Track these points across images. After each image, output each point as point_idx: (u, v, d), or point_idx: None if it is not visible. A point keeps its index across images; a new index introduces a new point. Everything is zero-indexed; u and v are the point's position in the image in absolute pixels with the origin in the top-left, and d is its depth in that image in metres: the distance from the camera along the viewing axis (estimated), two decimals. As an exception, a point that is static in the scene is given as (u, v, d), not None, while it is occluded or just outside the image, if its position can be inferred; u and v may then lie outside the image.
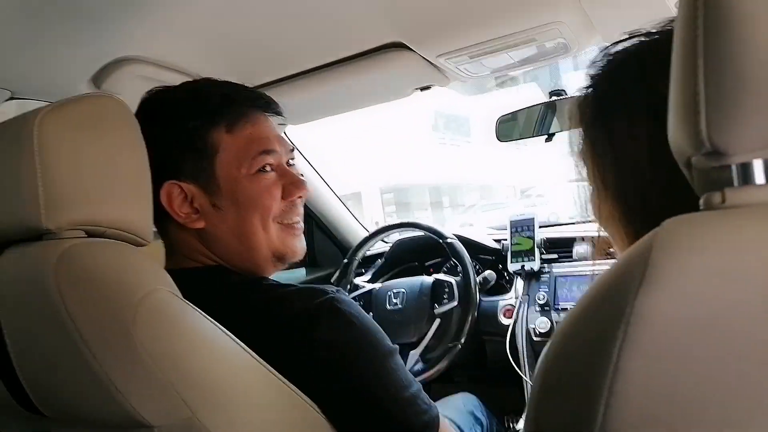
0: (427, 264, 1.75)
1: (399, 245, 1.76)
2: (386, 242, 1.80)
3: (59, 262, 0.54)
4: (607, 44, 0.55)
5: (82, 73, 1.04)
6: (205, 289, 0.60)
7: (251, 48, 1.08)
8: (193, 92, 0.75)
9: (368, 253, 1.71)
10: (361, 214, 1.96)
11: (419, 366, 1.38)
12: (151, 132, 0.66)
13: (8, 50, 0.91)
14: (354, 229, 1.92)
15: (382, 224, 1.71)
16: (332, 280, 1.64)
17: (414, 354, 1.39)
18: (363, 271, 1.73)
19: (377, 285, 1.58)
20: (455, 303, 1.39)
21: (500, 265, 1.56)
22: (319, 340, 0.64)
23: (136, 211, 0.62)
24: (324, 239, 1.91)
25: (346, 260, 1.63)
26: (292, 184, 0.76)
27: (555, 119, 1.25)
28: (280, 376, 0.61)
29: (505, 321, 1.44)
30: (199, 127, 0.71)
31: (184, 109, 0.72)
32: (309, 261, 1.90)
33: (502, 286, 1.55)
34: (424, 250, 1.72)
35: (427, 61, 1.14)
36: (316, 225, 1.87)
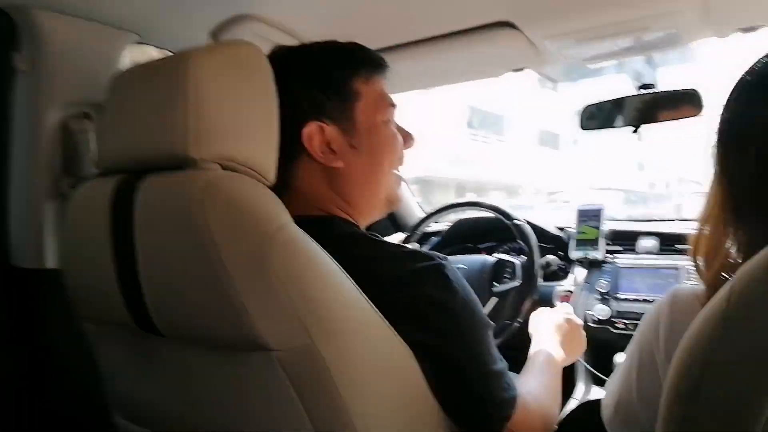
0: (480, 246, 1.77)
1: (459, 225, 1.79)
2: (437, 222, 1.83)
3: (206, 190, 0.57)
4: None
5: (203, 25, 1.08)
6: (317, 237, 0.63)
7: (362, 16, 1.11)
8: (336, 46, 0.80)
9: (426, 230, 1.74)
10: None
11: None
12: (295, 78, 0.73)
13: None
14: (410, 207, 1.96)
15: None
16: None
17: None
18: (419, 246, 1.77)
19: (437, 260, 1.61)
20: (516, 283, 1.42)
21: (560, 252, 1.59)
22: (423, 296, 0.68)
23: (265, 151, 0.66)
24: None
25: (407, 234, 1.67)
26: (407, 135, 0.85)
27: (644, 112, 1.26)
28: (386, 320, 0.65)
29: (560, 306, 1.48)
30: (345, 74, 0.78)
31: (331, 58, 0.79)
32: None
33: (557, 272, 1.57)
34: (481, 232, 1.74)
35: (531, 42, 1.15)
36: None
